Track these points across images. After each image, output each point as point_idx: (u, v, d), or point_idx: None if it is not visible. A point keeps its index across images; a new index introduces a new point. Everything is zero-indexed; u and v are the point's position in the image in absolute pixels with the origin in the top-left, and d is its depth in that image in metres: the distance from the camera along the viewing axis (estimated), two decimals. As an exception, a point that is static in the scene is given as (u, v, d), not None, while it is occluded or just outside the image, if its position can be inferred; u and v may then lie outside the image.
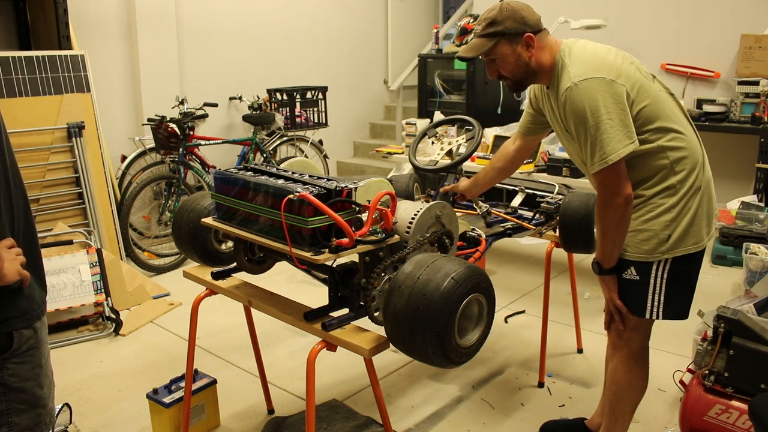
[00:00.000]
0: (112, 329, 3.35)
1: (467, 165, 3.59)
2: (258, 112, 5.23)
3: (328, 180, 1.73)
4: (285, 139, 5.18)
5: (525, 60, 1.84)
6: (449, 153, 2.73)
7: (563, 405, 2.61)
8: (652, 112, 1.78)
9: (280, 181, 1.73)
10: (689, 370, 2.27)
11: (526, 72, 1.87)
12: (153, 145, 4.39)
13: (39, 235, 3.56)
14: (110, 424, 2.55)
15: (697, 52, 5.00)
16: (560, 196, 2.51)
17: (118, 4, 4.67)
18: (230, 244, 2.13)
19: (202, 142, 4.57)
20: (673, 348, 2.98)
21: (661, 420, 2.49)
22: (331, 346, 1.69)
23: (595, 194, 2.41)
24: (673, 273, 1.85)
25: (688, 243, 1.83)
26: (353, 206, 1.70)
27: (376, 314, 1.69)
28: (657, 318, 1.89)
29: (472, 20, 5.44)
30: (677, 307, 1.89)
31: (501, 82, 1.95)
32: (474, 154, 3.36)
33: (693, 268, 1.90)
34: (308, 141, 5.35)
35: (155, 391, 2.36)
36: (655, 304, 1.87)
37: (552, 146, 4.06)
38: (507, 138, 3.49)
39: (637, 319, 1.92)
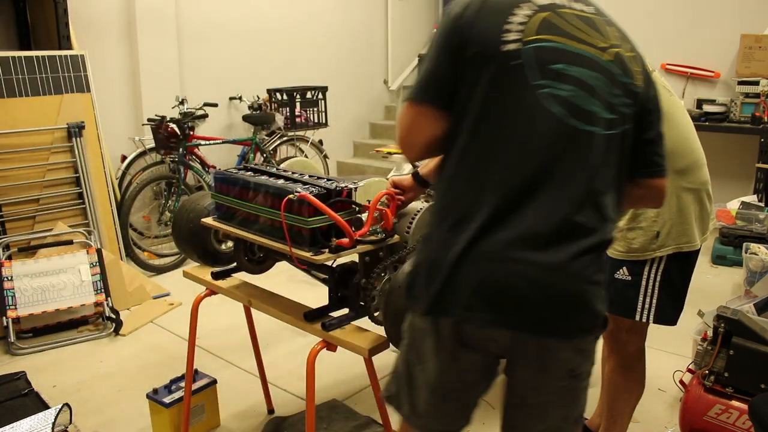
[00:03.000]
0: (112, 329, 3.35)
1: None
2: (258, 112, 5.23)
3: (328, 180, 1.73)
4: (285, 139, 5.18)
5: None
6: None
7: (563, 405, 2.61)
8: None
9: (280, 181, 1.73)
10: (689, 370, 2.27)
11: None
12: (153, 145, 4.39)
13: (39, 235, 3.59)
14: (110, 424, 2.55)
15: (697, 52, 5.01)
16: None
17: (118, 4, 4.66)
18: (230, 244, 2.13)
19: (202, 142, 4.57)
20: (673, 348, 2.98)
21: (661, 420, 2.49)
22: (331, 346, 1.69)
23: None
24: (666, 274, 1.84)
25: (680, 241, 1.82)
26: (353, 206, 1.70)
27: (376, 314, 1.69)
28: (647, 321, 1.88)
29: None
30: (668, 311, 1.88)
31: None
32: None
33: (685, 270, 1.88)
34: (308, 141, 5.35)
35: (155, 391, 2.36)
36: (646, 306, 1.86)
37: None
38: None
39: (632, 321, 1.91)
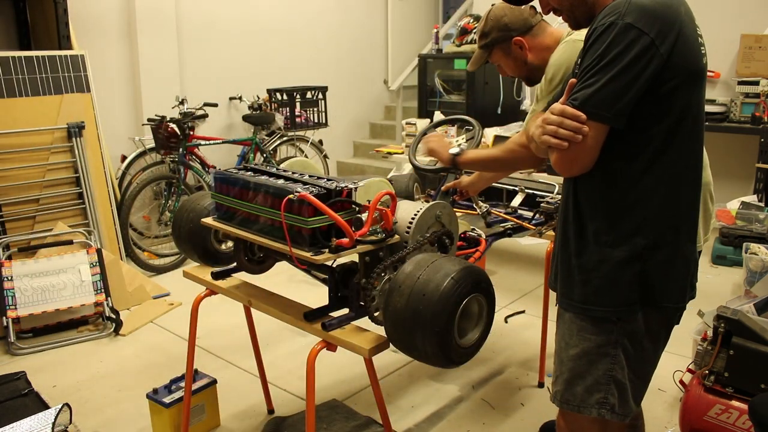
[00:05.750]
0: (112, 329, 3.35)
1: (467, 165, 3.59)
2: (258, 112, 5.23)
3: (328, 180, 1.73)
4: (285, 139, 5.18)
5: (522, 60, 1.92)
6: (449, 153, 2.72)
7: (563, 405, 2.61)
8: None
9: (280, 181, 1.73)
10: (689, 370, 2.27)
11: (528, 69, 1.96)
12: (153, 145, 4.39)
13: (39, 235, 3.59)
14: (110, 424, 2.55)
15: (697, 52, 5.00)
16: (560, 196, 2.51)
17: (118, 4, 4.66)
18: (230, 244, 2.13)
19: (202, 142, 4.58)
20: (673, 348, 2.96)
21: (661, 420, 2.49)
22: (331, 346, 1.69)
23: None
24: None
25: None
26: (353, 206, 1.70)
27: (376, 314, 1.69)
28: None
29: (472, 20, 5.44)
30: None
31: (513, 79, 2.03)
32: (474, 154, 3.35)
33: None
34: (308, 141, 5.35)
35: (155, 391, 2.36)
36: None
37: (552, 146, 4.06)
38: (507, 138, 3.49)
39: None
